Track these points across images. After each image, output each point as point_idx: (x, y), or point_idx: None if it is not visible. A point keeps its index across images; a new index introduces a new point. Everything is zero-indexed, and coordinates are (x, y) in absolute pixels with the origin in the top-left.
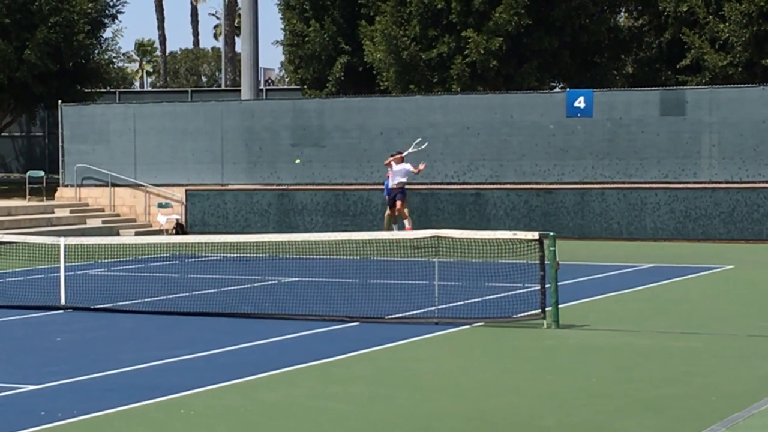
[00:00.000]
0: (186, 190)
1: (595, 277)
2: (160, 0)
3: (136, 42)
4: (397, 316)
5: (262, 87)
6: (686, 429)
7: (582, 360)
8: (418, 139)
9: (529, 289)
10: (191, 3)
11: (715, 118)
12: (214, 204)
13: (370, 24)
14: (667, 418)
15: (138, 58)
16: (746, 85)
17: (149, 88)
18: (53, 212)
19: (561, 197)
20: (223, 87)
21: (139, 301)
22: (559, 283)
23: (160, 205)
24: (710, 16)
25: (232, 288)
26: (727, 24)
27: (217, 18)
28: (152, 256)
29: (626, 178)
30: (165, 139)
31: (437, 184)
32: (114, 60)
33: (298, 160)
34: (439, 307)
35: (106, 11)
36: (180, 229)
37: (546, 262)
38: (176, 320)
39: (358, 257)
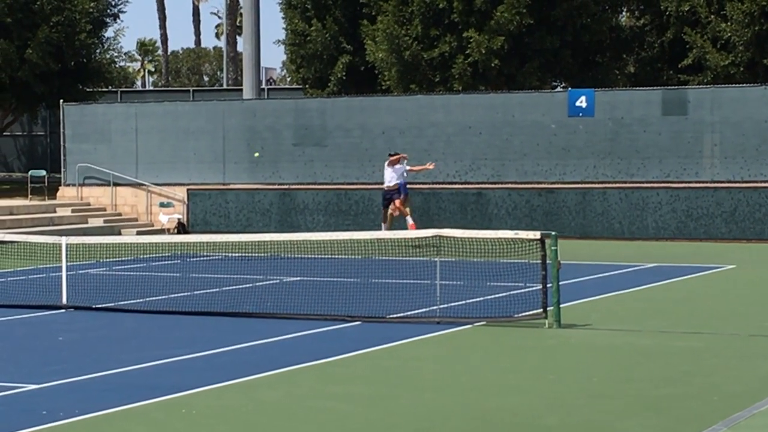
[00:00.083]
0: (188, 190)
1: (597, 276)
2: None
3: (137, 41)
4: (398, 315)
5: (263, 86)
6: (687, 429)
7: (583, 360)
8: (256, 154)
9: (530, 289)
10: (193, 2)
11: (717, 118)
12: (215, 203)
13: (371, 23)
14: (669, 417)
15: (140, 58)
16: (748, 85)
17: (151, 88)
18: (55, 212)
19: (563, 197)
20: (224, 86)
21: (141, 300)
22: (560, 283)
23: (162, 205)
24: (712, 16)
25: (234, 287)
26: (728, 23)
27: (219, 17)
28: (154, 255)
29: (628, 177)
30: (167, 138)
31: (439, 183)
32: (116, 59)
33: (257, 154)
34: (441, 306)
35: (108, 10)
36: (181, 228)
37: (548, 261)
38: (177, 320)
39: (360, 257)
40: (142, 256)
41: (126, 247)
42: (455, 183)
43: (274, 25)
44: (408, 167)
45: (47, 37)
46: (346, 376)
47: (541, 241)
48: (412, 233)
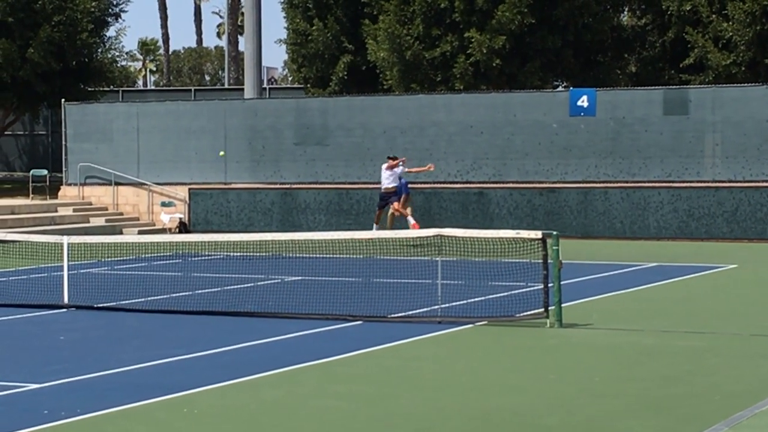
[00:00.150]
0: (189, 189)
1: (598, 276)
2: None
3: (139, 41)
4: (399, 315)
5: (265, 86)
6: (689, 428)
7: (585, 359)
8: (221, 153)
9: (532, 288)
10: (194, 2)
11: (719, 117)
12: (217, 203)
13: (373, 23)
14: (670, 417)
15: (141, 57)
16: (750, 85)
17: (152, 87)
18: (56, 211)
19: (564, 196)
20: (226, 86)
21: (142, 299)
22: (562, 282)
23: (164, 204)
24: (713, 15)
25: (235, 287)
26: (730, 23)
27: (220, 17)
28: (155, 254)
29: (629, 177)
30: (168, 137)
31: (440, 183)
32: (117, 59)
33: (222, 153)
34: (442, 306)
35: (110, 10)
36: (183, 227)
37: (549, 261)
38: (179, 319)
39: (361, 256)
40: (143, 256)
41: (127, 247)
42: (457, 182)
43: (275, 24)
44: (407, 168)
45: (49, 36)
46: (347, 376)
47: (543, 240)
48: (414, 233)
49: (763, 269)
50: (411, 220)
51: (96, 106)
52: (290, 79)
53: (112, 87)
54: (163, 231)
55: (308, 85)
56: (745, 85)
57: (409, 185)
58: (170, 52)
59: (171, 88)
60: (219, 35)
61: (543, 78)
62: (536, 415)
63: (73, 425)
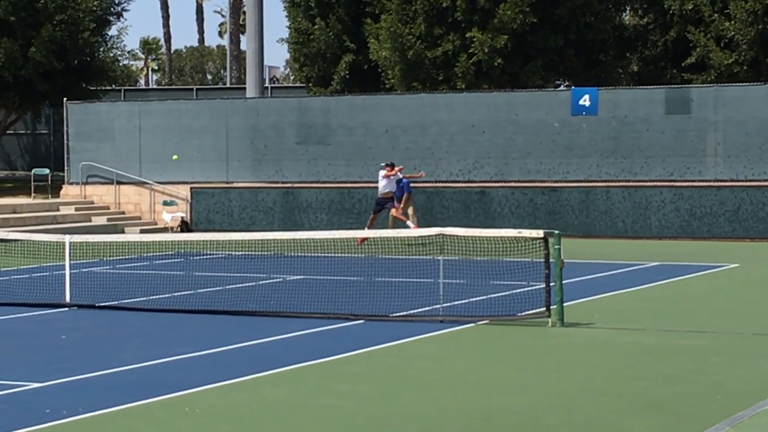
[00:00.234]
0: (191, 188)
1: (600, 275)
2: None
3: (141, 40)
4: (401, 314)
5: (267, 85)
6: (691, 427)
7: (586, 358)
8: (174, 156)
9: (533, 288)
10: (196, 1)
11: (721, 117)
12: (219, 202)
13: (375, 22)
14: (672, 416)
15: (143, 56)
16: (751, 84)
17: (154, 86)
18: (58, 210)
19: (566, 195)
20: (228, 85)
21: (144, 298)
22: (563, 282)
23: (165, 203)
24: (715, 15)
25: (237, 286)
26: (732, 22)
27: (222, 16)
28: (157, 253)
29: (631, 176)
30: (170, 136)
31: (442, 182)
32: (119, 58)
33: (175, 157)
34: (444, 305)
35: (112, 9)
36: (185, 227)
37: (551, 260)
38: (181, 318)
39: (363, 255)
40: (145, 255)
41: (129, 246)
42: (458, 181)
43: (277, 23)
44: (401, 175)
45: (51, 35)
46: (349, 375)
47: (545, 239)
48: (416, 232)
49: (765, 268)
50: (410, 225)
51: (98, 105)
52: (292, 78)
53: (114, 86)
54: (165, 230)
55: (310, 84)
56: (747, 84)
57: (411, 184)
58: (172, 51)
59: (173, 87)
60: (221, 34)
61: (545, 77)
62: (538, 414)
63: (75, 424)
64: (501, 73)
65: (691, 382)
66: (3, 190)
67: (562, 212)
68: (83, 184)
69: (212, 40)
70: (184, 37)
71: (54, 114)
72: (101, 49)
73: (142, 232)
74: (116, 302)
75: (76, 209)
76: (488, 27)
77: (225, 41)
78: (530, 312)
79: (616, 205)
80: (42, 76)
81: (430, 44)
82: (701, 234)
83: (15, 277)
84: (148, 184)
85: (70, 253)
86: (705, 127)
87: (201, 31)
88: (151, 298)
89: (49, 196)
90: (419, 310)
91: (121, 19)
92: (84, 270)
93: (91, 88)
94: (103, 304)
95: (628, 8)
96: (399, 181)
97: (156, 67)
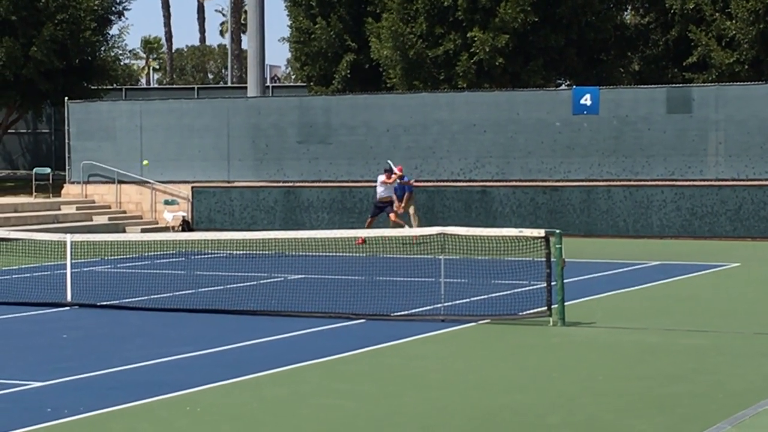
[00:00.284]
0: (192, 187)
1: (602, 274)
2: None
3: (142, 39)
4: (403, 313)
5: (268, 84)
6: (693, 427)
7: (588, 357)
8: (145, 162)
9: (535, 287)
10: (197, 0)
11: (722, 116)
12: (220, 201)
13: (376, 21)
14: (674, 415)
15: (144, 55)
16: (753, 83)
17: (155, 85)
18: (59, 209)
19: (567, 195)
20: (229, 84)
21: (145, 298)
22: (565, 281)
23: (167, 202)
24: (717, 14)
25: (238, 285)
26: (733, 21)
27: (224, 15)
28: (158, 253)
29: (632, 175)
30: (171, 136)
31: (443, 181)
32: (120, 57)
33: (145, 162)
34: (445, 304)
35: (113, 8)
36: (186, 226)
37: (552, 259)
38: (182, 317)
39: (365, 254)
40: (146, 254)
41: (130, 245)
42: (460, 181)
43: (278, 22)
44: (398, 174)
45: (52, 34)
46: (350, 374)
47: (546, 239)
48: (417, 231)
49: (767, 268)
50: (413, 222)
51: (99, 104)
52: (293, 77)
53: (115, 85)
54: (166, 229)
55: (311, 84)
56: (749, 83)
57: (414, 183)
58: (173, 51)
59: (174, 86)
60: (222, 33)
61: (546, 76)
62: (539, 414)
63: (76, 423)
64: (502, 73)
65: (692, 381)
66: (4, 189)
67: (563, 211)
68: (84, 183)
69: (213, 39)
70: (185, 36)
71: (55, 113)
72: (102, 48)
73: (144, 231)
74: (117, 301)
75: (78, 208)
76: (489, 26)
77: (226, 40)
78: (531, 311)
79: (617, 205)
80: (43, 76)
81: (431, 43)
82: (702, 233)
83: (16, 276)
84: (150, 183)
85: (71, 252)
86: (706, 127)
87: (202, 30)
88: (152, 297)
89: (51, 195)
90: (420, 309)
91: (123, 18)
92: (85, 269)
93: (93, 87)
94: (104, 303)
95: (630, 7)
96: (400, 178)
97: (157, 67)
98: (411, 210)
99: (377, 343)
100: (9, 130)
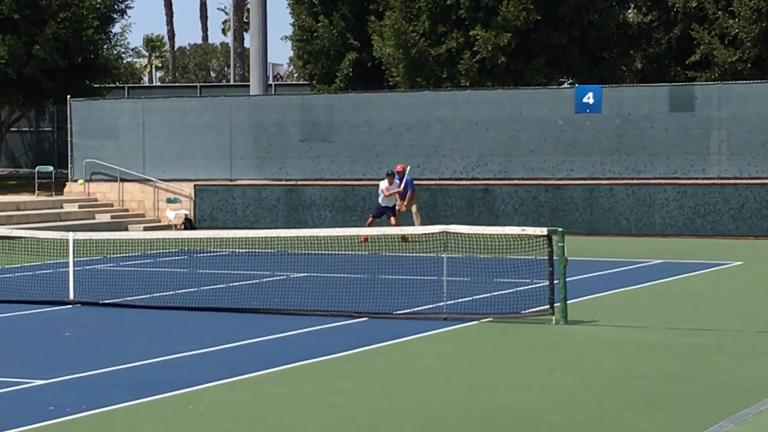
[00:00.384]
0: (195, 186)
1: (604, 273)
2: None
3: (144, 37)
4: (405, 311)
5: (270, 82)
6: (695, 425)
7: (590, 356)
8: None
9: (537, 285)
10: None
11: (725, 114)
12: (222, 199)
13: (378, 19)
14: (676, 414)
15: (147, 54)
16: (756, 81)
17: (158, 84)
18: (62, 207)
19: (569, 193)
20: (231, 82)
21: (148, 296)
22: (567, 279)
23: (169, 201)
24: (720, 12)
25: (241, 283)
26: (736, 20)
27: (226, 13)
28: (161, 251)
29: (635, 174)
30: (174, 134)
31: (446, 179)
32: (123, 55)
33: (80, 182)
34: (448, 302)
35: (115, 6)
36: (189, 224)
37: (554, 258)
38: (184, 315)
39: (367, 253)
40: (148, 252)
41: (133, 243)
42: (462, 179)
43: (281, 20)
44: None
45: (54, 33)
46: (353, 372)
47: (548, 237)
48: (420, 229)
49: None
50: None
51: (101, 102)
52: (296, 75)
53: (117, 83)
54: (168, 227)
55: (314, 82)
56: (751, 81)
57: (415, 182)
58: (176, 49)
59: (176, 84)
60: (224, 32)
61: (548, 75)
62: (541, 412)
63: (78, 421)
64: (505, 71)
65: (694, 379)
66: (7, 187)
67: (565, 210)
68: (87, 181)
69: (216, 37)
70: (187, 35)
71: (58, 111)
72: (105, 46)
73: (146, 229)
74: (120, 299)
75: (80, 207)
76: (492, 24)
77: (229, 38)
78: (534, 309)
79: (619, 203)
80: (46, 74)
81: (433, 42)
82: (705, 232)
83: (19, 274)
84: (152, 181)
85: (73, 250)
86: (709, 125)
87: (204, 29)
88: (154, 295)
89: (53, 193)
90: (423, 307)
91: (125, 16)
92: (87, 267)
93: (95, 85)
94: (106, 301)
95: (632, 6)
96: (401, 177)
97: (159, 65)
98: (413, 208)
99: (379, 341)
100: (12, 129)
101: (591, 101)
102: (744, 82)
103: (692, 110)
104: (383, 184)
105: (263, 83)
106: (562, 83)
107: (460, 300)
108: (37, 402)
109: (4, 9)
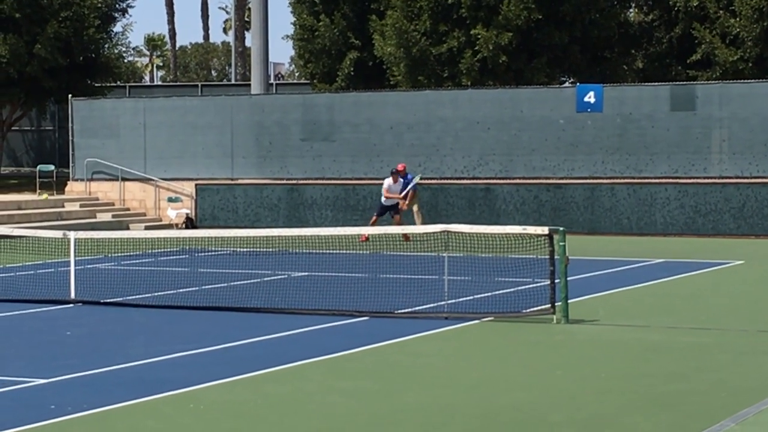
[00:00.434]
0: (196, 185)
1: (605, 272)
2: None
3: (145, 36)
4: (406, 310)
5: (272, 81)
6: (696, 424)
7: (591, 355)
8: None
9: (538, 284)
10: None
11: (726, 113)
12: (224, 198)
13: (380, 18)
14: (677, 413)
15: (148, 53)
16: (757, 81)
17: (159, 83)
18: (63, 206)
19: (571, 192)
20: (233, 81)
21: (149, 295)
22: (568, 278)
23: (170, 200)
24: (721, 11)
25: (242, 282)
26: (737, 19)
27: (227, 12)
28: (162, 250)
29: (636, 173)
30: (175, 133)
31: (447, 178)
32: (124, 54)
33: (44, 196)
34: (449, 301)
35: (116, 6)
36: (190, 223)
37: (556, 257)
38: (186, 314)
39: (368, 252)
40: (150, 251)
41: (134, 242)
42: (463, 178)
43: (282, 20)
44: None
45: (56, 32)
46: (354, 371)
47: (549, 236)
48: (421, 229)
49: None
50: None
51: (103, 101)
52: (297, 74)
53: (118, 83)
54: (169, 226)
55: (315, 81)
56: (753, 81)
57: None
58: (177, 48)
59: (178, 83)
60: (226, 31)
61: (550, 74)
62: (542, 411)
63: (80, 420)
64: (506, 70)
65: (695, 379)
66: (8, 186)
67: (566, 209)
68: (88, 180)
69: (217, 36)
70: (188, 34)
71: (59, 110)
72: (106, 45)
73: (147, 228)
74: (121, 299)
75: (81, 206)
76: (493, 24)
77: (230, 38)
78: (535, 309)
79: (621, 202)
80: (47, 73)
81: (435, 41)
82: (706, 231)
83: (20, 273)
84: (153, 180)
85: (75, 249)
86: (710, 124)
87: (206, 28)
88: (155, 294)
89: (54, 192)
90: (424, 306)
91: (126, 15)
92: (89, 266)
93: (96, 84)
94: (107, 300)
95: (633, 5)
96: (404, 177)
97: (161, 64)
98: (414, 208)
99: (380, 340)
100: (13, 128)
101: (592, 100)
102: (745, 81)
103: (693, 109)
104: (387, 182)
105: (264, 82)
106: (564, 82)
107: (461, 299)
108: (38, 401)
109: (6, 8)
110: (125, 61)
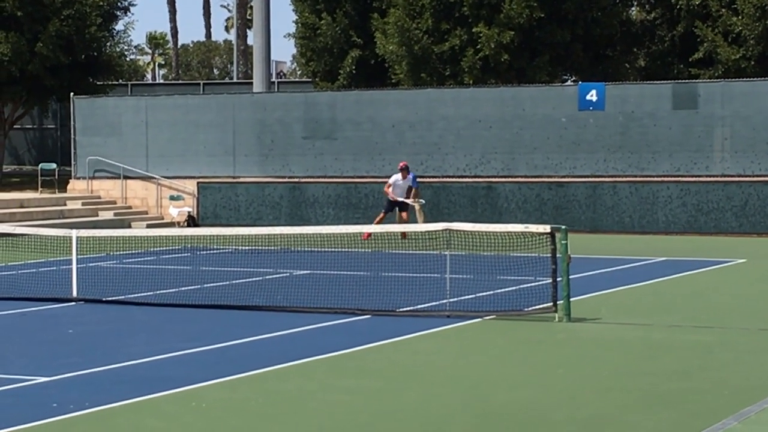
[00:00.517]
0: (198, 183)
1: (607, 270)
2: None
3: (147, 34)
4: (408, 309)
5: (273, 80)
6: (698, 423)
7: (593, 354)
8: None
9: (540, 283)
10: None
11: (728, 112)
12: (225, 196)
13: (382, 17)
14: (679, 412)
15: (150, 51)
16: (759, 79)
17: (161, 81)
18: (65, 204)
19: (573, 190)
20: (235, 80)
21: (151, 293)
22: (570, 277)
23: (172, 198)
24: (723, 10)
25: (244, 280)
26: (739, 17)
27: (229, 11)
28: (164, 248)
29: (638, 171)
30: (177, 131)
31: (449, 177)
32: (126, 52)
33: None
34: (451, 300)
35: (118, 4)
36: (192, 221)
37: (558, 255)
38: (188, 313)
39: (370, 250)
40: (152, 249)
41: (136, 240)
42: (465, 177)
43: (284, 18)
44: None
45: (58, 30)
46: (356, 370)
47: (551, 234)
48: (423, 227)
49: None
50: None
51: (105, 99)
52: (299, 73)
53: (120, 81)
54: (171, 225)
55: (317, 79)
56: (755, 79)
57: (418, 179)
58: (179, 46)
59: (180, 81)
60: (227, 29)
61: (552, 72)
62: (544, 410)
63: (82, 418)
64: (508, 68)
65: (697, 377)
66: (10, 184)
67: (569, 207)
68: (90, 178)
69: (219, 34)
70: (190, 32)
71: (61, 109)
72: (108, 43)
73: (149, 226)
74: (123, 297)
75: (83, 204)
76: (495, 22)
77: (232, 36)
78: (537, 307)
79: (623, 200)
80: (49, 71)
81: (437, 39)
82: (708, 229)
83: (22, 271)
84: (155, 178)
85: (77, 247)
86: (712, 123)
87: (208, 26)
88: (157, 292)
89: (56, 190)
90: (426, 305)
91: (128, 13)
92: (91, 265)
93: (98, 82)
94: (109, 298)
95: (636, 3)
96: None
97: (163, 62)
98: (416, 206)
99: (382, 338)
100: (15, 126)
101: (594, 99)
102: (747, 79)
103: (695, 108)
104: (395, 178)
105: (266, 80)
106: (566, 81)
107: (463, 297)
108: (40, 399)
109: (8, 6)
110: (127, 59)
